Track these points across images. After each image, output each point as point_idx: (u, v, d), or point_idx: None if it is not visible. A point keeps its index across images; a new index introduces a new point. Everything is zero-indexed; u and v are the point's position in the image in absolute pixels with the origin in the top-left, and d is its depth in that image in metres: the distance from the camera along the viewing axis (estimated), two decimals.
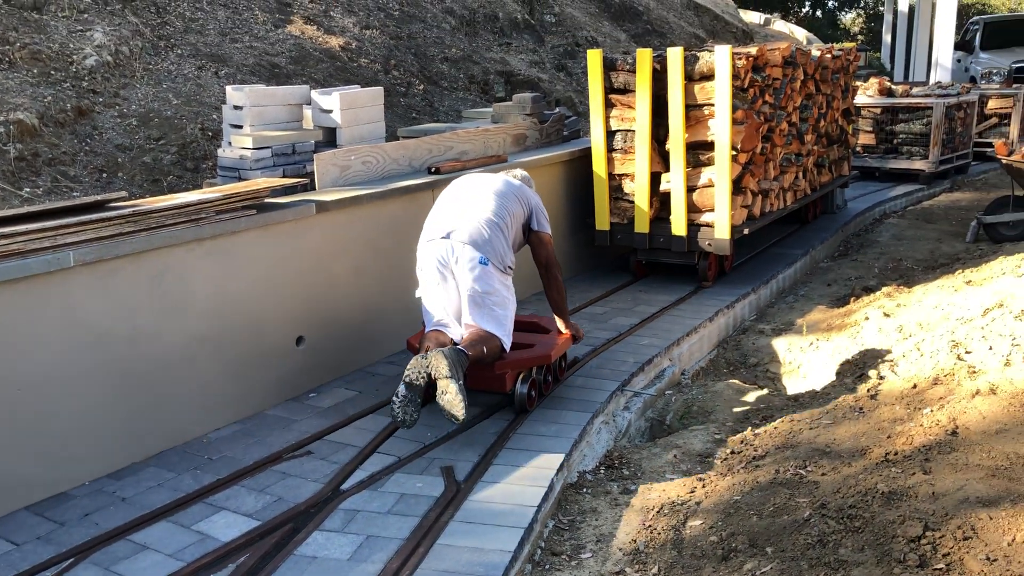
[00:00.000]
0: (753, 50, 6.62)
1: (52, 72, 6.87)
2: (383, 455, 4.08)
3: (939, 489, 3.33)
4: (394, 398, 4.01)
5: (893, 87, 11.74)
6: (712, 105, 6.33)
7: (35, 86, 6.62)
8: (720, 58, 6.20)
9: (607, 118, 6.76)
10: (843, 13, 45.42)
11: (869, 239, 9.03)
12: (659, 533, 3.59)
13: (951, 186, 11.43)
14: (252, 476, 3.91)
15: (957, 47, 19.10)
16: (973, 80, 17.65)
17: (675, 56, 6.35)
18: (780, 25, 28.39)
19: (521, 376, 4.45)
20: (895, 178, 11.43)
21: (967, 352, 4.91)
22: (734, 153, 6.37)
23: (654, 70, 6.50)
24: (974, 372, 4.62)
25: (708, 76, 6.32)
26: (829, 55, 8.03)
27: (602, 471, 4.30)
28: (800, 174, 7.70)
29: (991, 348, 4.87)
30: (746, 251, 7.81)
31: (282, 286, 4.67)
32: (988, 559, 2.81)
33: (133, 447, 4.05)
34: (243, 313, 4.48)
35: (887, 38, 25.71)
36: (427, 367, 3.95)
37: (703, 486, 3.96)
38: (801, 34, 27.13)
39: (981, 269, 6.71)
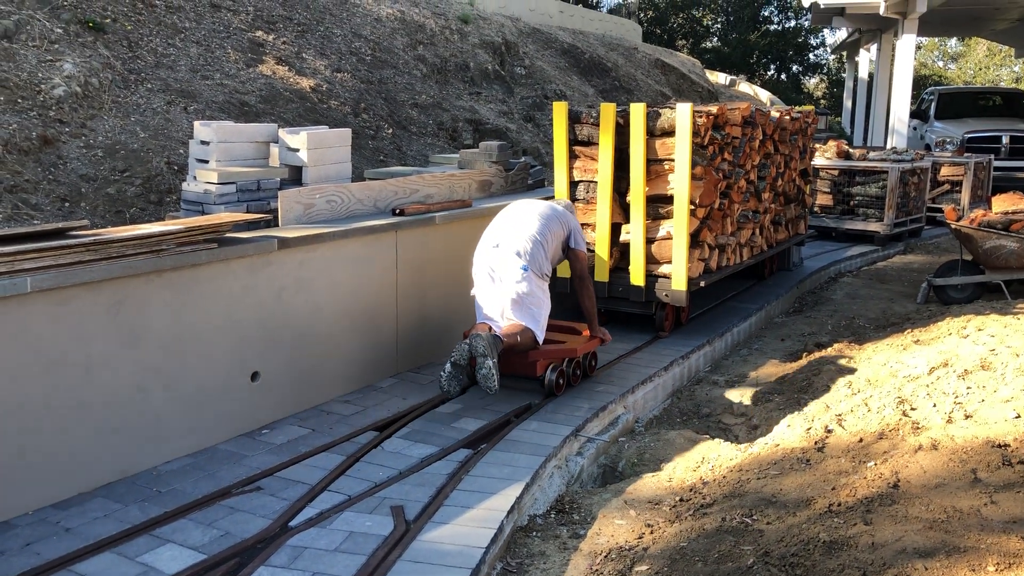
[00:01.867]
0: (714, 109, 6.82)
1: (19, 100, 6.87)
2: (333, 493, 4.08)
3: (879, 540, 3.40)
4: (441, 373, 5.12)
5: (851, 150, 12.09)
6: (672, 160, 6.49)
7: (1, 113, 6.61)
8: (681, 115, 6.38)
9: (570, 169, 6.90)
10: (807, 78, 46.77)
11: (824, 297, 9.22)
12: None
13: (904, 248, 11.73)
14: (200, 510, 3.88)
15: (913, 115, 19.74)
16: (928, 148, 18.22)
17: (638, 112, 6.52)
18: (745, 87, 29.15)
19: (551, 366, 5.39)
20: (851, 239, 11.71)
21: (912, 408, 5.03)
22: (692, 208, 6.52)
23: (617, 124, 6.66)
24: (918, 428, 4.73)
25: (669, 132, 6.49)
26: (788, 117, 8.28)
27: (552, 515, 4.32)
28: (757, 231, 7.88)
29: (935, 405, 5.00)
30: (703, 303, 7.94)
31: (240, 320, 4.68)
32: None
33: (80, 477, 4.01)
34: (199, 346, 4.48)
35: (848, 103, 26.48)
36: (468, 347, 4.96)
37: (651, 532, 4.01)
38: (764, 95, 27.89)
39: (929, 329, 6.89)
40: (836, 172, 11.72)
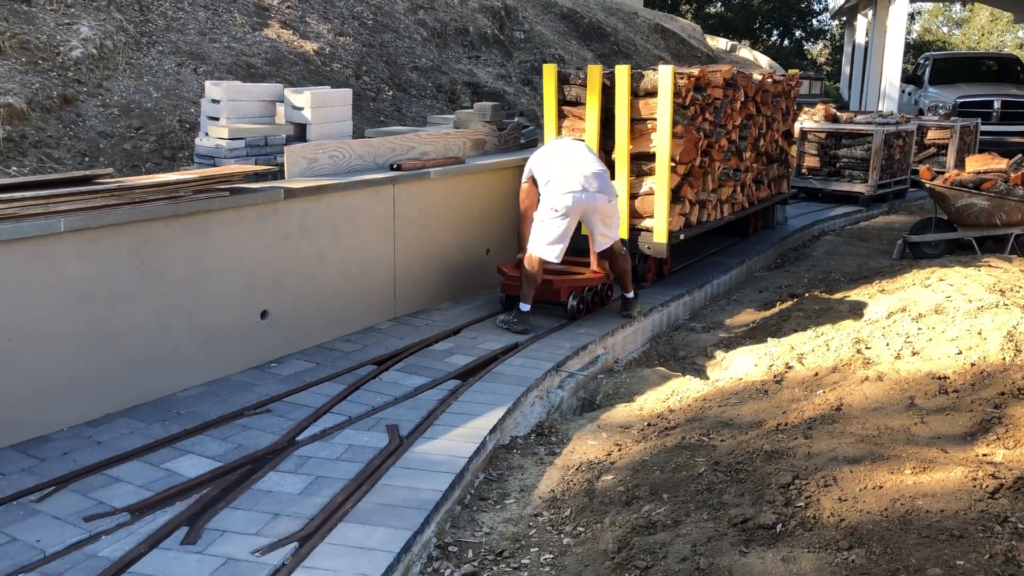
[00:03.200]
0: (695, 71, 7.20)
1: (40, 61, 7.27)
2: (335, 414, 4.55)
3: (814, 450, 3.86)
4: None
5: (838, 113, 12.43)
6: (655, 120, 6.89)
7: (23, 73, 7.02)
8: (663, 77, 6.76)
9: (559, 128, 7.30)
10: (810, 43, 46.74)
11: (804, 253, 9.64)
12: (575, 485, 4.09)
13: (888, 209, 12.11)
14: (216, 428, 4.35)
15: (908, 81, 19.99)
16: (921, 112, 18.50)
17: (623, 73, 6.91)
18: (745, 52, 29.28)
19: (572, 294, 6.25)
20: (837, 199, 12.09)
21: (867, 347, 5.48)
22: (673, 165, 6.92)
23: (604, 85, 7.05)
24: (868, 363, 5.19)
25: (652, 93, 6.88)
26: (770, 79, 8.65)
27: (532, 437, 4.80)
28: (738, 188, 8.28)
29: (887, 344, 5.45)
30: (687, 258, 8.36)
31: (250, 263, 5.12)
32: (840, 499, 3.34)
33: (108, 399, 4.48)
34: (213, 285, 4.93)
35: (846, 69, 26.67)
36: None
37: (619, 450, 4.48)
38: (764, 61, 28.03)
39: (896, 280, 7.31)
40: (823, 135, 12.08)
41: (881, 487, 3.42)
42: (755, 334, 6.65)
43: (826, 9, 45.10)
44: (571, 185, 5.95)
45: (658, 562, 3.17)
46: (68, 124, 6.87)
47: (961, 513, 3.16)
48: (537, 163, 6.22)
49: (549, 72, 7.24)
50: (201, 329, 4.90)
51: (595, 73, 7.02)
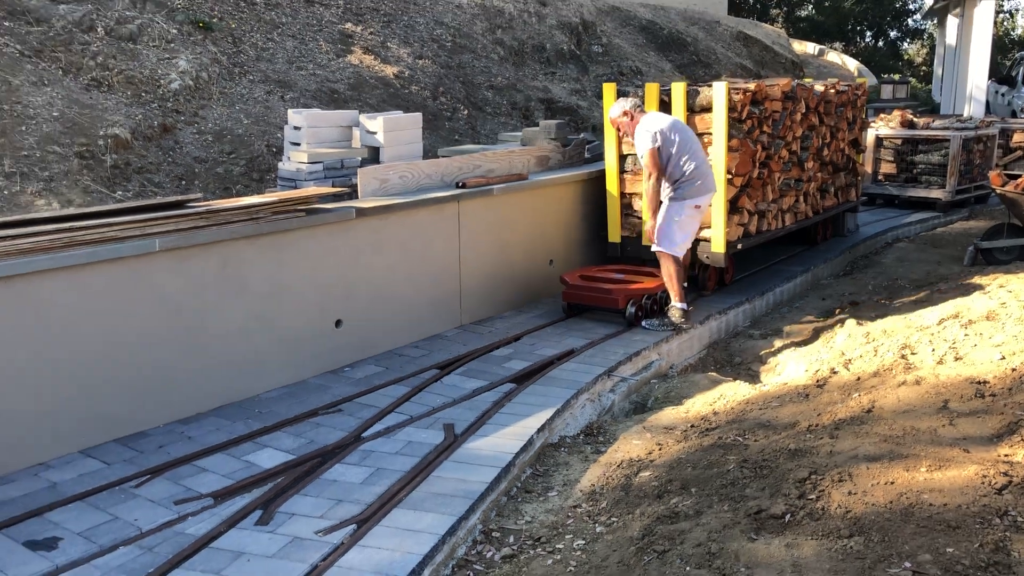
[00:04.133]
0: (752, 86, 7.42)
1: (143, 94, 7.99)
2: (398, 414, 4.99)
3: (837, 449, 4.10)
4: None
5: (915, 119, 12.34)
6: (711, 134, 7.14)
7: (128, 106, 7.74)
8: (717, 93, 7.02)
9: (620, 143, 7.62)
10: (906, 44, 45.54)
11: (874, 260, 9.68)
12: (614, 480, 4.42)
13: (968, 215, 11.96)
14: (292, 425, 4.84)
15: (1002, 81, 19.48)
16: (1014, 114, 18.02)
17: (679, 90, 7.19)
18: (833, 56, 28.87)
19: (631, 301, 6.58)
20: (914, 206, 12.02)
21: (912, 353, 5.63)
22: (729, 176, 7.16)
23: (661, 101, 7.34)
24: (909, 368, 5.35)
25: (708, 108, 7.14)
26: (833, 90, 8.77)
27: (581, 437, 5.14)
28: (801, 198, 8.43)
29: (933, 350, 5.59)
30: (751, 266, 8.55)
31: (325, 276, 5.61)
32: (850, 493, 3.58)
33: (198, 400, 5.01)
34: (292, 297, 5.43)
35: (938, 71, 26.04)
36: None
37: (660, 449, 4.78)
38: (853, 65, 27.60)
39: (958, 286, 7.37)
40: (899, 141, 12.02)
41: (893, 483, 3.64)
42: (810, 340, 6.82)
43: (921, 8, 43.86)
44: (712, 185, 6.56)
45: (675, 546, 3.48)
46: (167, 151, 7.55)
47: (963, 507, 3.36)
48: (665, 135, 6.36)
49: (608, 90, 7.57)
50: (281, 337, 5.41)
51: (653, 91, 7.32)
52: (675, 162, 6.43)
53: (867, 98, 10.06)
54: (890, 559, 3.07)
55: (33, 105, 7.15)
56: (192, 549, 3.57)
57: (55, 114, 7.19)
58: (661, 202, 6.53)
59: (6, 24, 7.85)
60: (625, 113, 6.60)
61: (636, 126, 6.53)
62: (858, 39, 42.83)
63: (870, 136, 12.02)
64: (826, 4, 41.28)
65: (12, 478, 4.17)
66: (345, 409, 5.07)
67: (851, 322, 6.79)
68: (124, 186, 6.92)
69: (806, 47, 29.62)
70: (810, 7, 42.76)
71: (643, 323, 6.67)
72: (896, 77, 20.07)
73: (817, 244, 9.72)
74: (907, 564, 3.02)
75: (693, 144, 6.54)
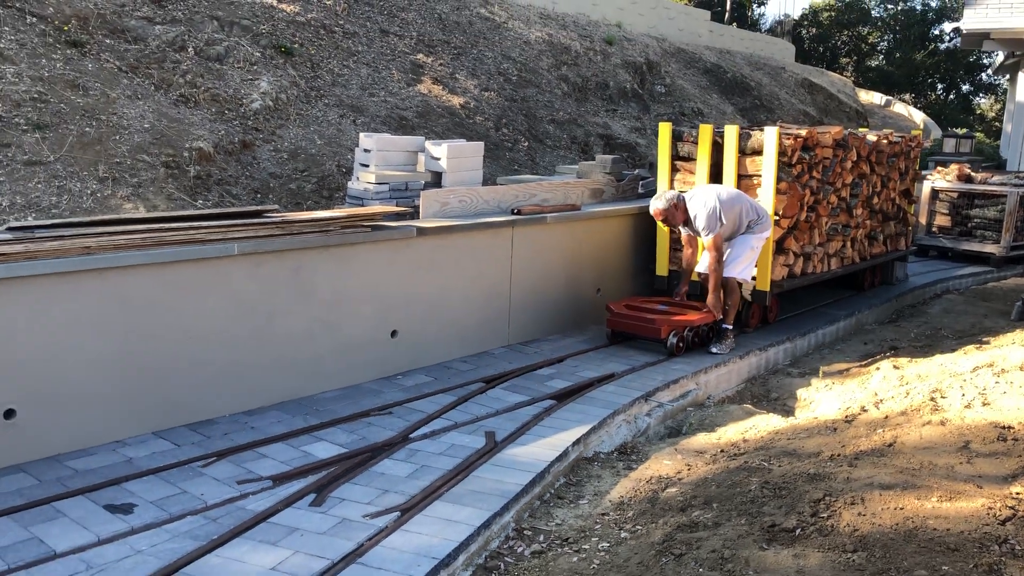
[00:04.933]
0: (803, 132, 7.69)
1: (226, 111, 8.56)
2: (444, 419, 5.34)
3: (854, 476, 4.33)
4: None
5: (972, 173, 12.43)
6: (760, 176, 7.43)
7: (212, 122, 8.30)
8: (769, 137, 7.31)
9: (672, 180, 7.94)
10: (979, 98, 45.03)
11: (921, 310, 9.79)
12: (641, 493, 4.70)
13: (1022, 271, 11.98)
14: (346, 423, 5.22)
15: None
16: None
17: (731, 133, 7.50)
18: (900, 107, 28.85)
19: (673, 332, 6.82)
20: (967, 259, 12.07)
21: (942, 397, 5.81)
22: (776, 218, 7.42)
23: (714, 143, 7.66)
24: (936, 410, 5.54)
25: (759, 151, 7.43)
26: (886, 140, 8.98)
27: (615, 455, 5.43)
28: (848, 243, 8.64)
29: (963, 395, 5.76)
30: (796, 307, 8.76)
31: (384, 289, 6.01)
32: (859, 514, 3.82)
33: (262, 395, 5.43)
34: (353, 306, 5.84)
35: (1007, 127, 25.76)
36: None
37: (688, 469, 5.04)
38: (919, 117, 27.55)
39: (999, 339, 7.50)
40: (955, 195, 12.11)
41: (902, 508, 3.87)
42: (847, 381, 7.01)
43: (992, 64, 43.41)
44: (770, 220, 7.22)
45: (691, 551, 3.75)
46: (245, 165, 8.08)
47: (965, 533, 3.59)
48: (725, 215, 6.88)
49: (664, 130, 7.91)
50: (341, 343, 5.81)
51: (706, 132, 7.64)
52: (741, 224, 7.01)
53: (922, 150, 10.23)
54: (888, 573, 3.31)
55: (127, 117, 7.74)
56: (252, 522, 3.95)
57: (146, 126, 7.76)
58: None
59: (107, 42, 8.49)
60: (675, 206, 6.94)
61: (693, 211, 6.91)
62: (929, 92, 42.58)
63: (926, 188, 12.15)
64: (897, 55, 41.17)
65: (93, 451, 4.61)
66: (395, 412, 5.44)
67: (887, 365, 6.97)
68: (205, 195, 7.44)
69: (872, 97, 29.65)
70: (880, 58, 42.68)
71: (712, 348, 7.06)
72: (960, 131, 20.00)
73: (864, 290, 9.87)
74: None
75: (743, 201, 7.04)
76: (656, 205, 6.98)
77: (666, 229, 7.92)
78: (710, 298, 7.05)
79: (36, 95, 7.32)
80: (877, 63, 42.04)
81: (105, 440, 4.73)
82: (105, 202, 6.78)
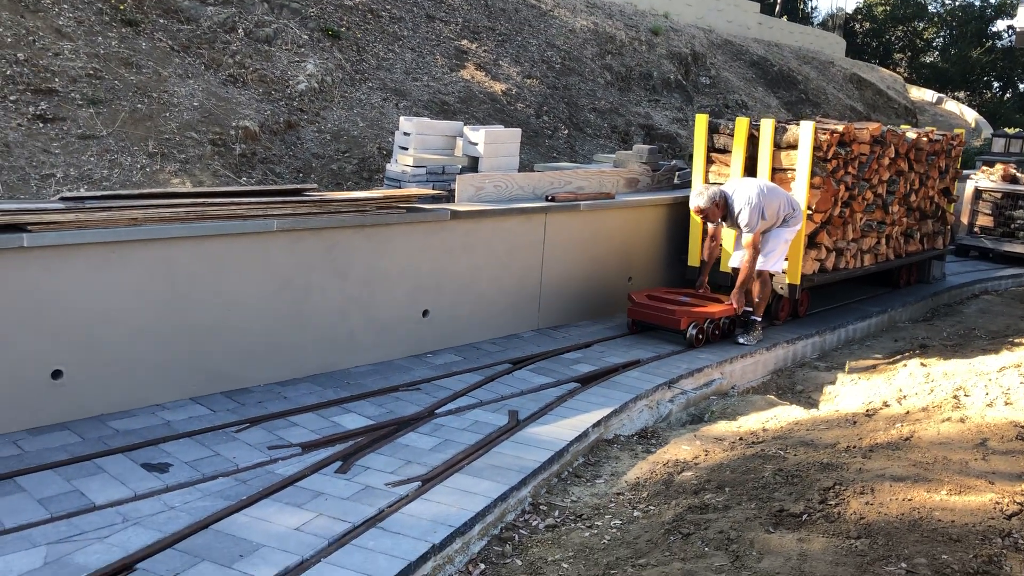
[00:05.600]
0: (840, 127, 7.70)
1: (272, 92, 8.78)
2: (470, 397, 5.50)
3: (866, 467, 4.41)
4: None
5: (1018, 174, 12.27)
6: (795, 170, 7.46)
7: (259, 102, 8.53)
8: (804, 132, 7.34)
9: (707, 172, 8.00)
10: None
11: (956, 310, 9.75)
12: (657, 475, 4.82)
13: None
14: (375, 397, 5.40)
15: None
16: None
17: (767, 127, 7.53)
18: (951, 105, 28.37)
19: (693, 324, 6.86)
20: (1008, 261, 11.94)
21: (965, 395, 5.84)
22: (809, 212, 7.46)
23: (750, 136, 7.69)
24: (958, 407, 5.57)
25: (793, 145, 7.46)
26: (926, 138, 8.94)
27: (635, 438, 5.55)
28: (883, 240, 8.62)
29: (986, 393, 5.79)
30: (828, 302, 8.78)
31: (417, 269, 6.18)
32: (867, 503, 3.91)
33: (296, 366, 5.63)
34: (386, 285, 6.01)
35: None
36: None
37: (706, 455, 5.15)
38: (971, 115, 27.07)
39: None
40: (999, 195, 11.98)
41: (910, 500, 3.95)
42: (874, 377, 7.04)
43: None
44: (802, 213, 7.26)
45: (699, 530, 3.87)
46: (289, 145, 8.29)
47: (969, 525, 3.66)
48: (767, 208, 6.93)
49: (700, 121, 7.97)
50: (374, 320, 5.99)
51: (742, 125, 7.68)
52: (778, 219, 7.07)
53: (970, 149, 10.14)
54: (888, 559, 3.40)
55: (177, 95, 7.99)
56: (280, 485, 4.14)
57: (195, 104, 8.01)
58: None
59: (161, 21, 8.75)
60: (716, 204, 6.94)
61: (737, 206, 6.93)
62: (984, 90, 41.73)
63: (968, 188, 12.03)
64: (952, 52, 40.38)
65: (133, 413, 4.84)
66: (423, 389, 5.61)
67: (915, 362, 7.00)
68: (249, 173, 7.67)
69: (924, 94, 29.18)
70: (935, 54, 41.91)
71: (740, 339, 7.14)
72: (1010, 131, 19.66)
73: (899, 288, 9.84)
74: (903, 565, 3.35)
75: (781, 195, 7.11)
76: (697, 202, 6.98)
77: (699, 220, 7.98)
78: (735, 292, 7.09)
79: (91, 71, 7.59)
80: (931, 59, 41.29)
81: (145, 403, 4.96)
82: (154, 176, 7.03)
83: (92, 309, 4.66)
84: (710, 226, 7.25)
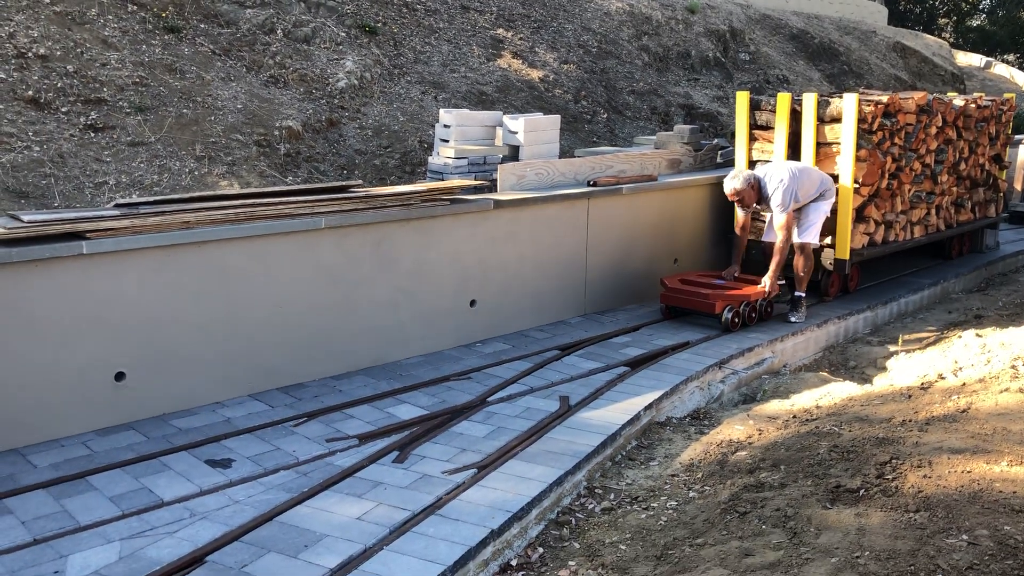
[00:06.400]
0: (884, 98, 7.58)
1: (313, 91, 8.89)
2: (521, 385, 5.55)
3: (923, 440, 4.37)
4: None
5: None
6: (839, 143, 7.37)
7: (301, 101, 8.65)
8: (848, 104, 7.24)
9: (750, 150, 7.93)
10: None
11: (1012, 279, 9.56)
12: (711, 455, 4.82)
13: None
14: (428, 387, 5.48)
15: None
16: None
17: (809, 101, 7.45)
18: (1001, 69, 27.65)
19: (728, 307, 6.76)
20: None
21: None
22: (856, 186, 7.36)
23: (792, 111, 7.61)
24: (1016, 377, 5.48)
25: (837, 119, 7.37)
26: (974, 105, 8.75)
27: (687, 419, 5.55)
28: (932, 211, 8.48)
29: None
30: (879, 276, 8.67)
31: (463, 260, 6.24)
32: (925, 476, 3.88)
33: (349, 360, 5.72)
34: (433, 276, 6.08)
35: None
36: None
37: (759, 434, 5.14)
38: (1022, 79, 26.35)
39: None
40: None
41: (969, 471, 3.91)
42: (927, 349, 6.95)
43: None
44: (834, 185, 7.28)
45: (756, 509, 3.88)
46: (332, 143, 8.40)
47: None
48: (800, 190, 6.93)
49: (742, 98, 7.90)
50: (423, 311, 6.07)
51: (784, 101, 7.60)
52: (812, 195, 7.07)
53: (1019, 114, 9.91)
54: (949, 531, 3.38)
55: (221, 98, 8.13)
56: (339, 476, 4.23)
57: (239, 106, 8.14)
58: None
59: (202, 26, 8.90)
60: (752, 187, 6.92)
61: (771, 188, 6.90)
62: None
63: (1021, 154, 11.75)
64: (1000, 14, 39.29)
65: (195, 411, 4.97)
66: (474, 377, 5.67)
67: (970, 333, 6.89)
68: (294, 172, 7.78)
69: (971, 59, 28.44)
70: (982, 17, 40.82)
71: (791, 317, 7.12)
72: (1012, 96, 19.04)
73: (951, 258, 9.67)
74: (964, 537, 3.33)
75: (812, 173, 7.12)
76: (733, 185, 6.94)
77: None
78: (771, 275, 6.98)
79: (138, 79, 7.76)
80: (978, 23, 40.22)
81: (206, 401, 5.09)
82: (202, 179, 7.18)
83: (150, 311, 4.79)
84: (740, 213, 7.16)
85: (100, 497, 3.96)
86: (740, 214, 7.20)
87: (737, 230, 7.32)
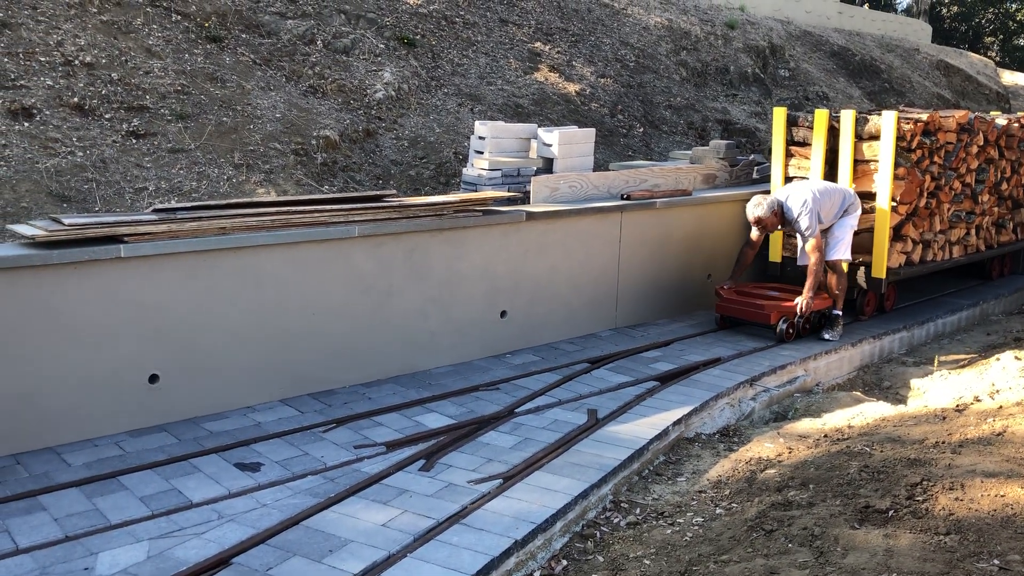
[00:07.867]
0: (924, 116, 7.50)
1: (351, 101, 8.99)
2: (549, 397, 5.55)
3: (956, 463, 4.30)
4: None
5: None
6: (877, 161, 7.29)
7: (339, 111, 8.75)
8: (886, 122, 7.17)
9: (786, 166, 7.88)
10: None
11: None
12: (739, 473, 4.78)
13: None
14: (456, 396, 5.49)
15: None
16: None
17: (847, 117, 7.39)
18: None
19: (783, 318, 6.86)
20: None
21: None
22: (894, 205, 7.28)
23: (830, 128, 7.56)
24: None
25: (875, 136, 7.30)
26: (1017, 124, 8.63)
27: (716, 436, 5.51)
28: (972, 231, 8.36)
29: None
30: (916, 296, 8.55)
31: (494, 271, 6.26)
32: (956, 499, 3.82)
33: (379, 368, 5.76)
34: (465, 287, 6.11)
35: None
36: None
37: (789, 452, 5.09)
38: None
39: None
40: None
41: (1003, 495, 3.85)
42: (964, 371, 6.84)
43: None
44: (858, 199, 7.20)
45: (783, 527, 3.84)
46: (368, 153, 8.48)
47: None
48: (822, 210, 6.86)
49: (778, 115, 7.86)
50: (453, 321, 6.09)
51: (822, 117, 7.55)
52: (838, 213, 7.00)
53: None
54: (979, 555, 3.32)
55: (260, 107, 8.25)
56: (366, 483, 4.26)
57: (277, 115, 8.25)
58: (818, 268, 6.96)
59: (243, 36, 9.05)
60: (775, 213, 6.86)
61: (795, 212, 6.82)
62: None
63: None
64: None
65: (226, 415, 5.03)
66: (502, 388, 5.68)
67: (1009, 356, 6.77)
68: (331, 181, 7.87)
69: (1017, 78, 28.01)
70: None
71: (825, 335, 7.06)
72: None
73: (992, 279, 9.52)
74: (995, 561, 3.27)
75: (835, 191, 7.04)
76: (756, 212, 6.87)
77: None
78: (805, 296, 6.89)
79: (179, 87, 7.90)
80: None
81: (237, 405, 5.15)
82: (240, 187, 7.28)
83: (185, 315, 4.86)
84: (755, 232, 7.05)
85: (131, 497, 4.02)
86: (755, 233, 7.08)
87: (746, 247, 7.19)
